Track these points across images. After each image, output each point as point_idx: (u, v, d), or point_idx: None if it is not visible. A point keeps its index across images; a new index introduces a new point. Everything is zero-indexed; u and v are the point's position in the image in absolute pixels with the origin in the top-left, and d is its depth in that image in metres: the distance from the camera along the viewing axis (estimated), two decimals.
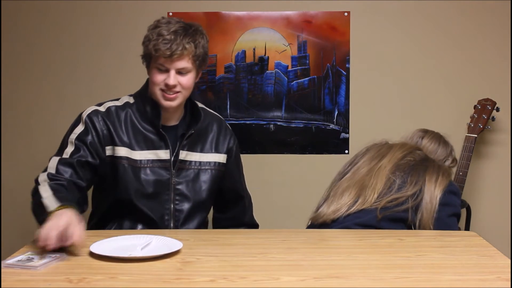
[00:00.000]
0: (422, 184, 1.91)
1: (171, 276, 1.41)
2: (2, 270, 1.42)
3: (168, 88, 1.91)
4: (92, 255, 1.53)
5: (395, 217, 1.88)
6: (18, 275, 1.40)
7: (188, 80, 1.94)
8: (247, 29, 2.73)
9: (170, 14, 2.68)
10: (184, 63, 1.91)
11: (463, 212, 2.61)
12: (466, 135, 2.59)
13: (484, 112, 2.60)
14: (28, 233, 1.95)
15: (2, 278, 1.37)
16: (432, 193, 1.90)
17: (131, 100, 2.04)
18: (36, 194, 1.79)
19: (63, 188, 1.81)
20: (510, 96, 2.71)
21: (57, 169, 1.88)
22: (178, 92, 1.93)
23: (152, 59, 1.92)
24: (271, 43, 2.74)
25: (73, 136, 1.95)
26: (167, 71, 1.91)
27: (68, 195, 1.77)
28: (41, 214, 1.66)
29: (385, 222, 1.87)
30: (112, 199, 2.00)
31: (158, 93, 1.94)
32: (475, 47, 2.72)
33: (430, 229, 1.87)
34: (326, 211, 1.94)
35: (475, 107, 2.64)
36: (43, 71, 2.75)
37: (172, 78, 1.90)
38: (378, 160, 2.00)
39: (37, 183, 1.86)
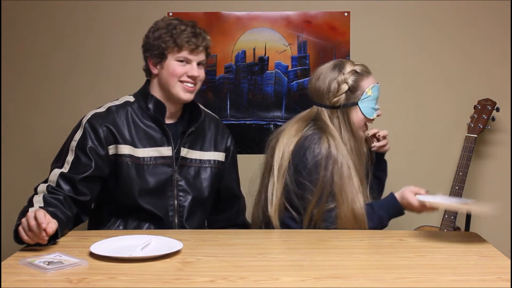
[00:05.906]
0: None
1: (171, 276, 1.41)
2: (2, 270, 1.42)
3: (192, 79, 1.96)
4: (92, 255, 1.53)
5: None
6: (18, 275, 1.41)
7: (203, 73, 2.02)
8: (247, 29, 2.73)
9: (170, 14, 2.68)
10: (203, 56, 2.00)
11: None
12: (466, 135, 2.59)
13: (484, 112, 2.60)
14: None
15: (2, 278, 1.36)
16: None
17: (131, 99, 2.05)
18: (29, 203, 1.81)
19: (58, 203, 1.81)
20: (510, 96, 2.71)
21: (57, 183, 1.88)
22: (196, 84, 1.99)
23: (171, 52, 1.95)
24: (271, 43, 2.73)
25: (73, 143, 1.95)
26: (187, 63, 1.96)
27: (59, 211, 1.76)
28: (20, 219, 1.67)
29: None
30: (116, 198, 1.99)
31: (177, 86, 1.97)
32: (475, 47, 2.72)
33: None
34: None
35: (475, 107, 2.64)
36: (43, 70, 2.74)
37: (196, 69, 1.97)
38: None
39: (35, 192, 1.87)
